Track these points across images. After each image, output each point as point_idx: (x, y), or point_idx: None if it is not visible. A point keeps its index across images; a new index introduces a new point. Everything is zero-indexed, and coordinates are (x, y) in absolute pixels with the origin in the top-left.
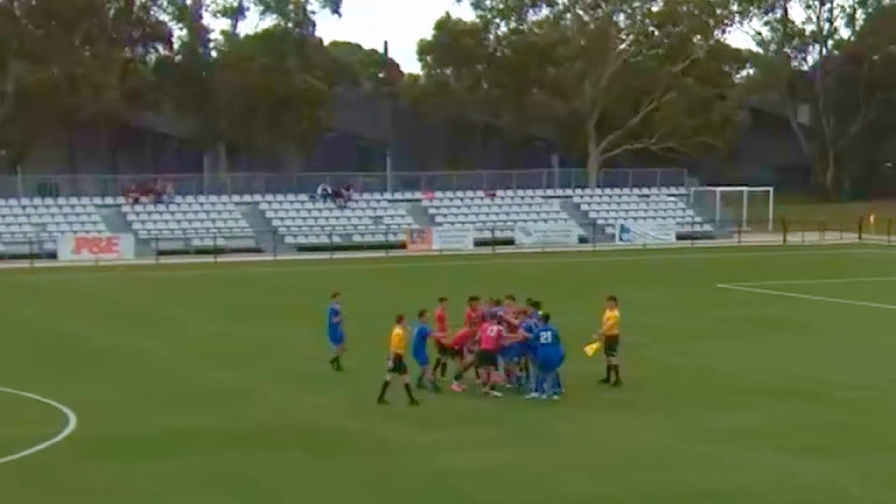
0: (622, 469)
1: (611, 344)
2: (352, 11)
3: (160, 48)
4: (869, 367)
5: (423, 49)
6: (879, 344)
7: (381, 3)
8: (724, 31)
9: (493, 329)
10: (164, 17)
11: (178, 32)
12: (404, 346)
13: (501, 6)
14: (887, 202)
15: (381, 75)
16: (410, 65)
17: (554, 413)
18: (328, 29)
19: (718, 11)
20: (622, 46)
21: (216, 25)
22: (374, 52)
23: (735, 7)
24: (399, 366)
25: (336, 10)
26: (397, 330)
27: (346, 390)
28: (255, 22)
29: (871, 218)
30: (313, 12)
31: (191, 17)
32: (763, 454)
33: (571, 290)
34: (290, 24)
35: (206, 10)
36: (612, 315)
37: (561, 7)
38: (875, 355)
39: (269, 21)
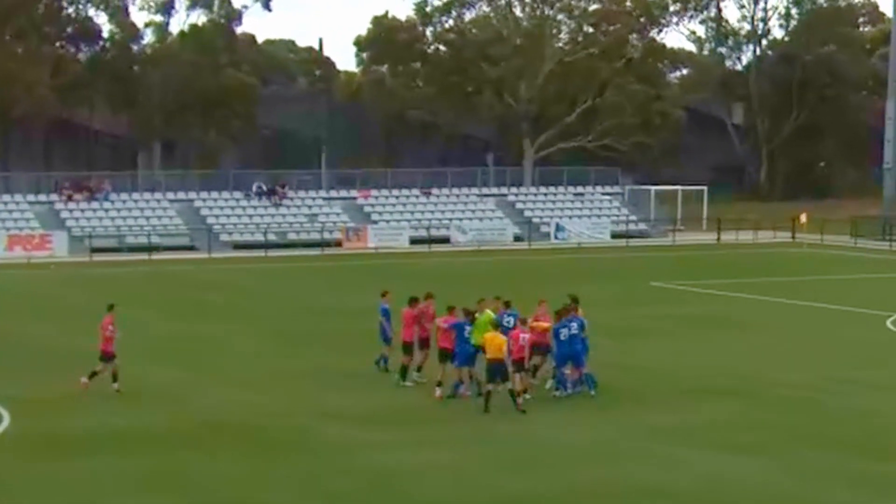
0: (560, 467)
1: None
2: (287, 8)
3: (92, 45)
4: (805, 365)
5: (359, 45)
6: (814, 342)
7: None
8: (660, 31)
9: (524, 337)
10: (94, 13)
11: (110, 28)
12: (504, 352)
13: (439, 3)
14: (820, 202)
15: (317, 72)
16: (346, 62)
17: (494, 412)
18: (263, 26)
19: (655, 13)
20: (558, 45)
21: (147, 21)
22: (310, 49)
23: (672, 8)
24: (497, 372)
25: (266, 6)
26: (495, 335)
27: (284, 389)
28: (182, 18)
29: (803, 217)
30: (245, 7)
31: (122, 13)
32: (700, 452)
33: (508, 289)
34: (218, 18)
35: (135, 6)
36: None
37: (502, 2)
38: (810, 353)
39: (196, 16)
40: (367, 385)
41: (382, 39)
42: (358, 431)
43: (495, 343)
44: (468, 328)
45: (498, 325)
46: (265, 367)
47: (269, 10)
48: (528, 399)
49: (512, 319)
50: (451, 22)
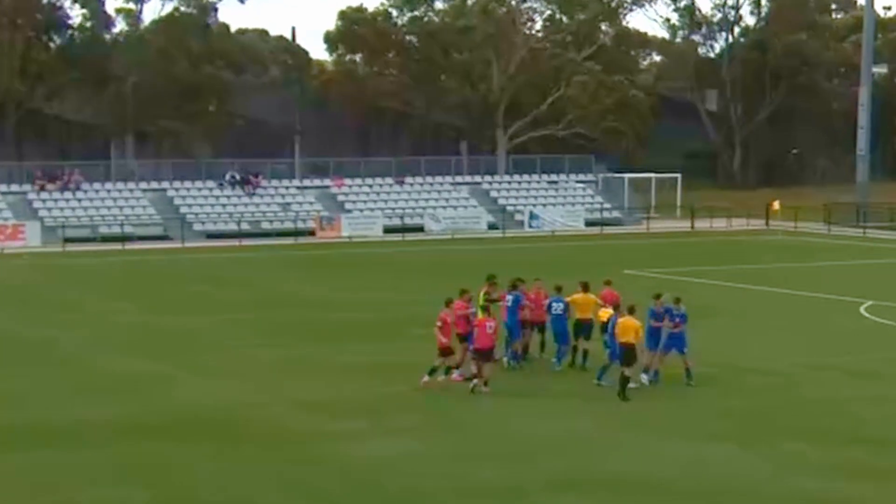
0: (533, 457)
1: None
2: None
3: (63, 33)
4: (780, 352)
5: (330, 37)
6: (789, 330)
7: None
8: (626, 14)
9: (491, 325)
10: (67, 2)
11: (82, 18)
12: (638, 337)
13: None
14: (793, 189)
15: (289, 62)
16: (319, 51)
17: (468, 401)
18: (235, 15)
19: None
20: (529, 32)
21: (118, 7)
22: (282, 38)
23: None
24: (629, 356)
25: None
26: (627, 319)
27: (256, 379)
28: (157, 7)
29: (776, 204)
30: None
31: (95, 2)
32: (674, 441)
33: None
34: (192, 10)
35: None
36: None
37: None
38: (784, 341)
39: (171, 6)
40: (339, 375)
41: (353, 31)
42: (331, 421)
43: (629, 327)
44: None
45: (486, 308)
46: (238, 357)
47: (243, 1)
48: (484, 392)
49: (510, 299)
50: (421, 10)
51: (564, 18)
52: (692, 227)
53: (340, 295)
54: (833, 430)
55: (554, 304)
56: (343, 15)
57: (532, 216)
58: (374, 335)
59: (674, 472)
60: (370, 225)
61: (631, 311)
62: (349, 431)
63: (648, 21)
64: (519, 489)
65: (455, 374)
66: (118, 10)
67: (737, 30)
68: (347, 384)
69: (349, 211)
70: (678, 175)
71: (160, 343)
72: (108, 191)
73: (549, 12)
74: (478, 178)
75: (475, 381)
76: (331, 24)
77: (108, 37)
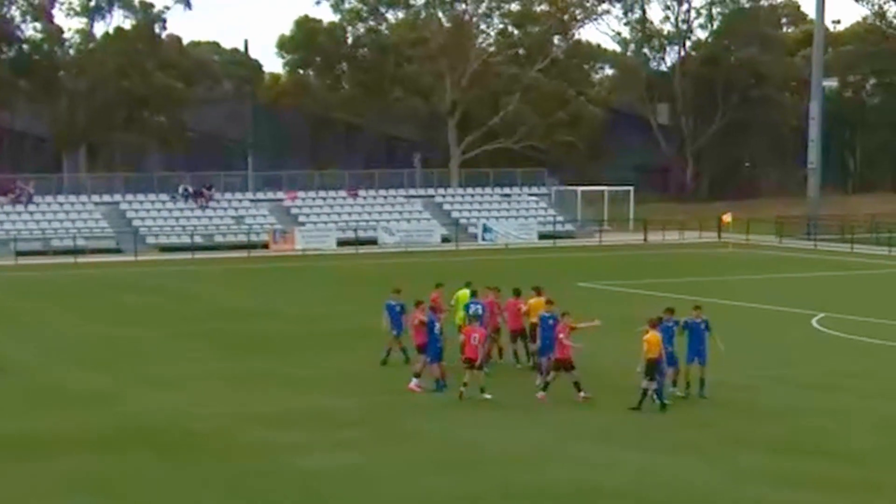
0: (486, 469)
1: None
2: (211, 9)
3: (14, 46)
4: (733, 364)
5: (283, 48)
6: (743, 342)
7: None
8: (579, 29)
9: (475, 336)
10: (17, 15)
11: (33, 32)
12: (659, 351)
13: (359, 7)
14: (746, 202)
15: (242, 74)
16: (272, 64)
17: (420, 413)
18: (188, 28)
19: (571, 10)
20: (481, 45)
21: (72, 24)
22: (235, 50)
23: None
24: (652, 371)
25: (187, 4)
26: (652, 334)
27: (206, 392)
28: (108, 20)
29: (728, 217)
30: (167, 7)
31: (45, 16)
32: (630, 451)
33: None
34: (142, 21)
35: (61, 9)
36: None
37: (419, 4)
38: (738, 353)
39: (119, 19)
40: (289, 387)
41: (306, 42)
42: (280, 433)
43: (654, 342)
44: (437, 325)
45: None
46: (188, 370)
47: (190, 7)
48: (487, 398)
49: (479, 308)
50: (373, 24)
51: (517, 32)
52: (645, 239)
53: (292, 308)
54: (786, 442)
55: (545, 318)
56: (299, 25)
57: (485, 229)
58: (324, 347)
59: (627, 481)
60: (324, 238)
61: (654, 325)
62: (299, 443)
63: (600, 35)
64: (470, 498)
65: (413, 384)
66: (75, 31)
67: (688, 43)
68: (297, 396)
69: (303, 224)
70: (631, 188)
71: (110, 355)
72: (61, 204)
73: (501, 25)
74: (431, 191)
75: (462, 388)
76: (284, 35)
77: (59, 50)
